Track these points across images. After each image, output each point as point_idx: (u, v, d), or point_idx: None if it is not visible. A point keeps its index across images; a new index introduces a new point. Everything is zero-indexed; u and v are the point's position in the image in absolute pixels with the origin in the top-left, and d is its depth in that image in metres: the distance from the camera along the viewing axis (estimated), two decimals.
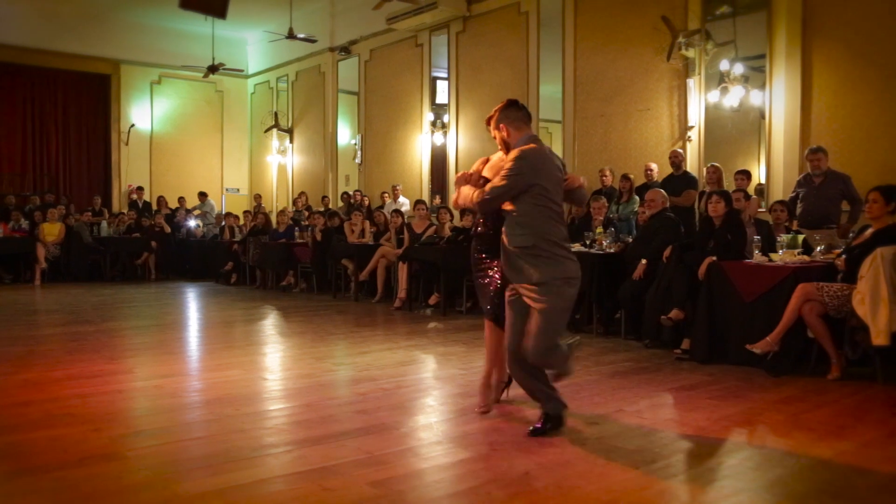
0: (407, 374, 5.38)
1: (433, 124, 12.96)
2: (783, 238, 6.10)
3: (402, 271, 9.26)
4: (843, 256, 5.48)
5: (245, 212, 14.36)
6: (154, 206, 15.44)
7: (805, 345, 5.40)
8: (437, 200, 12.50)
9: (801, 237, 6.18)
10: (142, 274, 13.77)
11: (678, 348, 6.03)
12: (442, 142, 12.88)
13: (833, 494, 3.01)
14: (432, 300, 9.11)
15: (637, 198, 8.64)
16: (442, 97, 12.96)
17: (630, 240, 7.50)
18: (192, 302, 10.47)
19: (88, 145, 16.48)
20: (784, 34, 8.32)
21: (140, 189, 15.89)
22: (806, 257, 5.89)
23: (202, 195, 15.83)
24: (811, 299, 5.23)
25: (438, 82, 13.03)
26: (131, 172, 16.47)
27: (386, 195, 12.96)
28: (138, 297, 10.85)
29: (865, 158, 7.66)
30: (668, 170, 8.82)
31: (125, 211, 15.12)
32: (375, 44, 14.08)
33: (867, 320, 4.93)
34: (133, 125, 16.45)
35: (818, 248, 6.04)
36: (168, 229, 14.21)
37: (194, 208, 15.54)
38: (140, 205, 15.38)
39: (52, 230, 12.83)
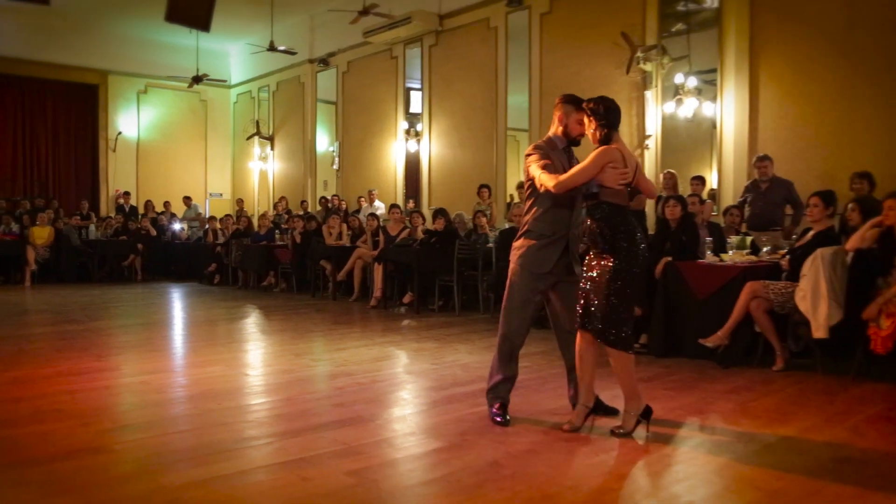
0: (382, 369, 5.37)
1: (407, 132, 12.96)
2: (733, 240, 6.18)
3: (378, 272, 9.25)
4: (787, 257, 5.58)
5: (226, 216, 14.23)
6: (141, 210, 15.28)
7: (753, 338, 5.48)
8: (411, 204, 12.49)
9: (749, 239, 6.28)
10: (128, 275, 13.59)
11: (637, 343, 6.07)
12: (416, 149, 12.88)
13: (777, 476, 3.07)
14: (406, 299, 9.09)
15: None
16: (416, 107, 12.96)
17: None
18: (177, 302, 10.37)
19: (77, 152, 16.27)
20: (733, 51, 8.44)
21: (127, 194, 15.71)
22: (753, 257, 5.98)
23: (187, 199, 15.70)
24: (758, 296, 5.32)
25: (412, 92, 13.03)
26: (118, 178, 16.28)
27: (362, 199, 12.93)
28: (125, 297, 10.71)
29: (806, 166, 7.80)
30: None
31: (112, 215, 14.97)
32: (352, 56, 14.05)
33: (808, 315, 5.02)
34: (120, 133, 16.26)
35: (765, 249, 6.14)
36: (154, 232, 14.08)
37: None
38: (127, 209, 15.22)
39: (41, 233, 12.62)
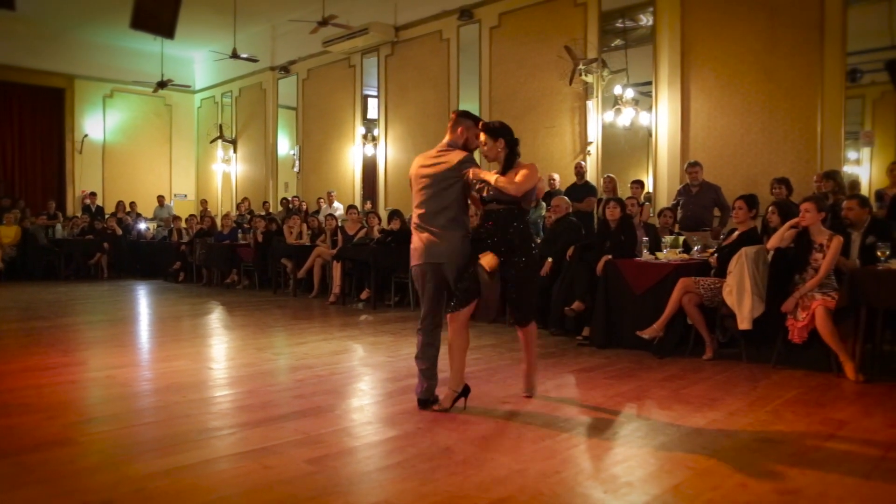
0: (340, 362, 5.33)
1: (364, 137, 12.89)
2: (667, 239, 6.29)
3: (337, 269, 9.18)
4: (715, 255, 5.70)
5: (191, 216, 13.97)
6: (111, 210, 14.89)
7: (685, 330, 5.59)
8: (368, 205, 12.43)
9: (681, 238, 6.39)
10: (95, 273, 13.23)
11: (580, 335, 6.14)
12: (372, 153, 12.82)
13: (706, 456, 3.14)
14: (363, 295, 9.05)
15: (544, 204, 8.77)
16: (372, 113, 12.91)
17: (538, 240, 7.61)
18: (143, 298, 10.12)
19: (43, 154, 15.72)
20: (667, 65, 8.61)
21: (93, 194, 15.29)
22: (686, 256, 6.09)
23: (160, 198, 15.35)
24: (690, 291, 5.42)
25: (369, 99, 12.98)
26: (84, 179, 15.81)
27: (322, 200, 12.81)
28: (91, 294, 10.42)
29: (732, 172, 8.00)
30: (570, 180, 9.01)
31: (79, 214, 14.54)
32: (312, 64, 13.91)
33: (734, 309, 5.15)
34: (86, 135, 15.79)
35: (695, 248, 6.24)
36: (119, 231, 13.73)
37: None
38: (93, 209, 14.81)
39: (8, 232, 12.21)
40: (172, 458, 3.06)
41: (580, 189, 8.73)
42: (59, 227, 13.74)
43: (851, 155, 7.63)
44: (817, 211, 4.92)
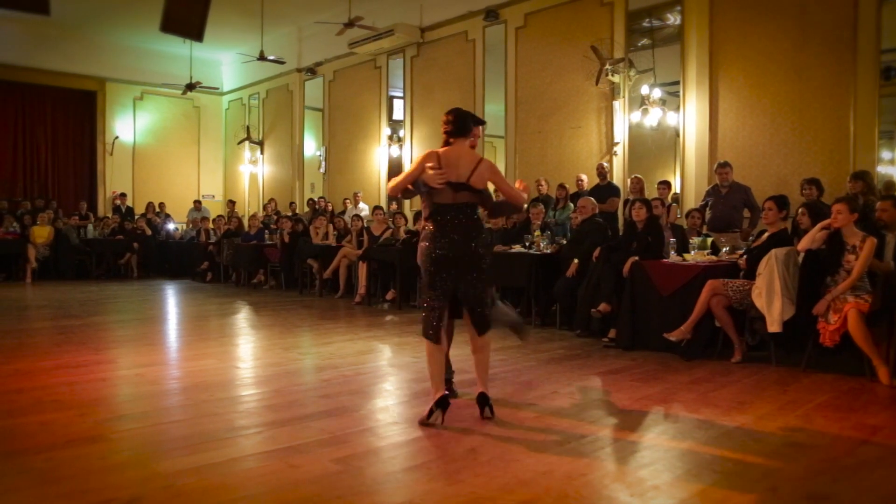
0: (366, 362, 5.35)
1: (390, 138, 12.94)
2: (695, 240, 6.23)
3: (362, 270, 9.22)
4: (745, 256, 5.63)
5: (218, 216, 14.14)
6: (141, 211, 15.12)
7: (713, 333, 5.53)
8: (394, 206, 12.45)
9: (709, 240, 6.32)
10: (125, 272, 13.45)
11: (606, 337, 6.11)
12: (398, 154, 12.85)
13: (735, 461, 3.10)
14: (389, 296, 9.08)
15: (571, 204, 8.73)
16: (398, 114, 12.94)
17: (564, 241, 7.57)
18: (171, 298, 10.26)
19: (75, 155, 16.04)
20: (695, 65, 8.51)
21: (123, 195, 15.54)
22: (714, 257, 6.03)
23: (197, 203, 15.55)
24: (718, 293, 5.36)
25: (395, 101, 13.01)
26: (115, 180, 16.08)
27: (348, 201, 12.88)
28: (121, 293, 10.59)
29: (762, 172, 7.89)
30: (597, 180, 8.95)
31: (109, 215, 14.80)
32: (339, 66, 13.99)
33: (764, 311, 5.08)
34: (117, 137, 16.06)
35: (724, 250, 6.19)
36: (149, 232, 13.94)
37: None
38: (123, 209, 15.05)
39: (41, 233, 12.46)
40: (200, 456, 3.10)
41: (603, 189, 8.67)
42: (90, 227, 13.99)
43: (885, 155, 7.47)
44: (850, 212, 4.83)
